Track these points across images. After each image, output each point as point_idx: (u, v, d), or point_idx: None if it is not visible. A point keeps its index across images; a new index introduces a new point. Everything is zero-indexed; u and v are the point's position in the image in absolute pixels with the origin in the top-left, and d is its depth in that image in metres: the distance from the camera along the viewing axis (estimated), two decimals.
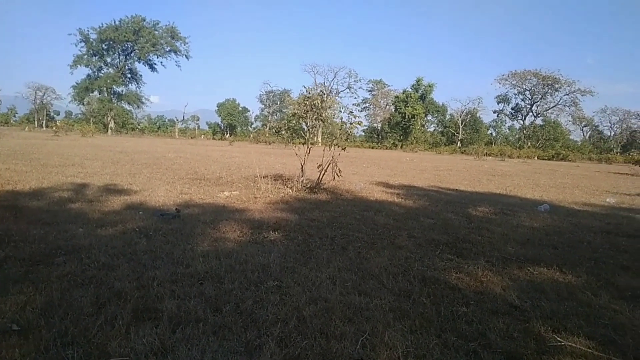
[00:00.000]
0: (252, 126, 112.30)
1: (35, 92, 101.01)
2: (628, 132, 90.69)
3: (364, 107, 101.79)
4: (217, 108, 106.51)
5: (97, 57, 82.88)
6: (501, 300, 3.79)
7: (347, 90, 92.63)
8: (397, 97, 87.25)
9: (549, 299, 3.90)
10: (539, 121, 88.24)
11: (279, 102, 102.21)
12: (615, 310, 3.69)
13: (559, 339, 3.06)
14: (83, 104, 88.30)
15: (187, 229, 5.81)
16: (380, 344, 2.89)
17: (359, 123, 10.53)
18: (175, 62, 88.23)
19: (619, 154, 76.76)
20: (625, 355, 2.90)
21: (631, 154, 48.17)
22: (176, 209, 7.01)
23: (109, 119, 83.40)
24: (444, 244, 5.81)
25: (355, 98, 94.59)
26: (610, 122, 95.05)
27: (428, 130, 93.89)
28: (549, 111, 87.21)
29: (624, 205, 11.42)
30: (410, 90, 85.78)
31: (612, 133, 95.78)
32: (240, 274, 4.12)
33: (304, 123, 11.05)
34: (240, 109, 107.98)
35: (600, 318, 3.51)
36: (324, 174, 10.57)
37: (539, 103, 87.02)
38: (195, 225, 6.10)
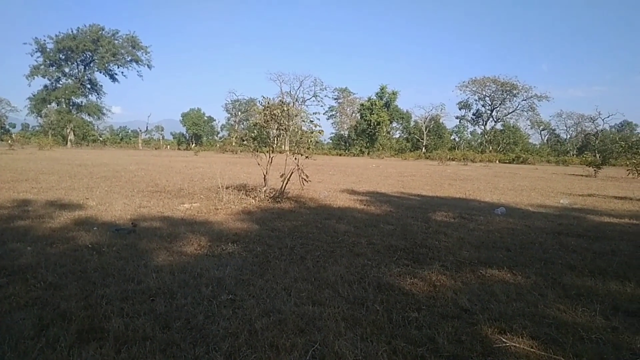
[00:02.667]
0: (219, 136, 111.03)
1: None
2: (582, 135, 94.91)
3: (331, 115, 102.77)
4: (181, 118, 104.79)
5: (54, 67, 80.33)
6: (452, 304, 3.88)
7: (314, 98, 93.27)
8: (362, 104, 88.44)
9: (499, 300, 4.01)
10: (499, 126, 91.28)
11: (245, 111, 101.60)
12: (560, 309, 3.84)
13: (504, 340, 3.16)
14: (41, 116, 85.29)
15: (142, 244, 5.67)
16: (330, 353, 2.90)
17: (321, 132, 10.62)
18: (137, 71, 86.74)
19: (575, 156, 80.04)
20: (565, 351, 3.01)
21: (585, 155, 50.46)
22: (132, 223, 6.85)
23: (68, 131, 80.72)
24: (401, 249, 5.90)
25: (322, 106, 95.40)
26: (566, 126, 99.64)
27: (393, 136, 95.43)
28: (508, 116, 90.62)
29: (576, 206, 11.91)
30: (375, 97, 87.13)
31: (568, 136, 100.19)
32: (193, 288, 4.05)
33: (269, 132, 11.00)
34: (205, 118, 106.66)
35: (545, 317, 3.63)
36: (287, 183, 10.56)
37: (498, 108, 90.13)
38: (151, 239, 5.97)
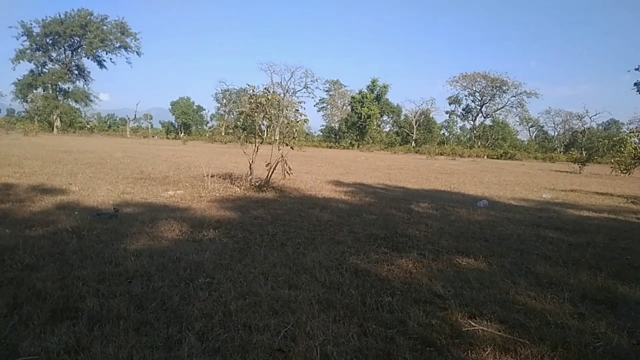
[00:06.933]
0: (208, 125, 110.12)
1: None
2: (570, 133, 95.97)
3: (322, 107, 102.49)
4: (170, 107, 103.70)
5: (41, 52, 78.60)
6: (426, 290, 3.96)
7: (304, 90, 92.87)
8: (353, 97, 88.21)
9: (472, 287, 4.09)
10: (488, 121, 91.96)
11: (234, 101, 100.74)
12: (530, 296, 3.94)
13: (473, 324, 3.24)
14: (26, 102, 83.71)
15: (123, 229, 5.67)
16: (302, 334, 2.95)
17: (306, 121, 10.65)
18: (126, 58, 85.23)
19: (562, 153, 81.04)
20: (530, 335, 3.10)
21: (571, 152, 50.97)
22: (114, 208, 6.83)
23: (54, 117, 79.30)
24: (381, 238, 5.97)
25: (313, 98, 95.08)
26: (554, 123, 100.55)
27: (384, 130, 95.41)
28: (498, 112, 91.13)
29: (558, 200, 12.11)
30: (366, 91, 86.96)
31: (556, 133, 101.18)
32: (171, 271, 4.08)
33: (257, 121, 10.96)
34: (194, 107, 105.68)
35: (515, 304, 3.73)
36: (272, 172, 10.58)
37: (488, 104, 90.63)
38: (132, 224, 5.96)
